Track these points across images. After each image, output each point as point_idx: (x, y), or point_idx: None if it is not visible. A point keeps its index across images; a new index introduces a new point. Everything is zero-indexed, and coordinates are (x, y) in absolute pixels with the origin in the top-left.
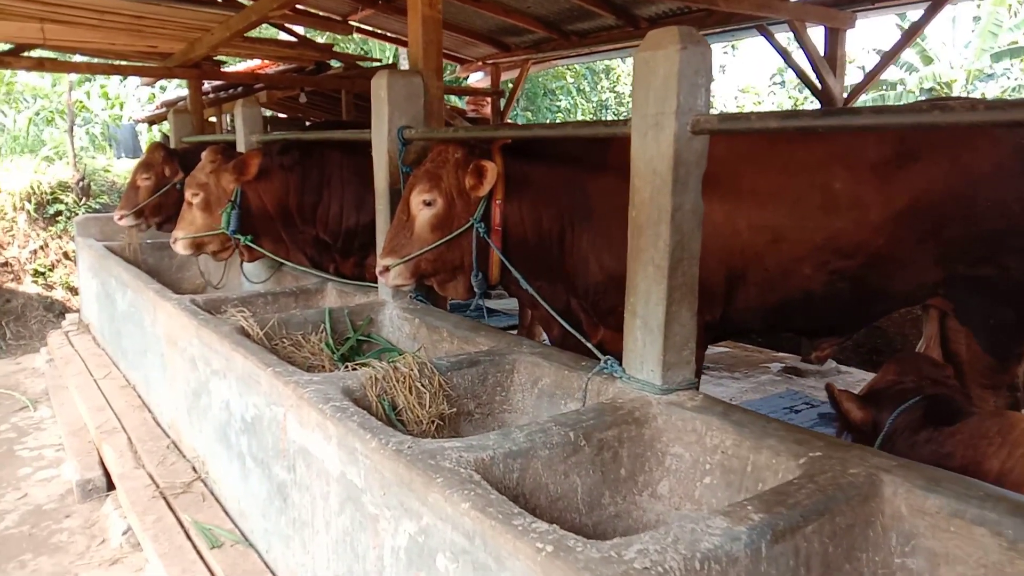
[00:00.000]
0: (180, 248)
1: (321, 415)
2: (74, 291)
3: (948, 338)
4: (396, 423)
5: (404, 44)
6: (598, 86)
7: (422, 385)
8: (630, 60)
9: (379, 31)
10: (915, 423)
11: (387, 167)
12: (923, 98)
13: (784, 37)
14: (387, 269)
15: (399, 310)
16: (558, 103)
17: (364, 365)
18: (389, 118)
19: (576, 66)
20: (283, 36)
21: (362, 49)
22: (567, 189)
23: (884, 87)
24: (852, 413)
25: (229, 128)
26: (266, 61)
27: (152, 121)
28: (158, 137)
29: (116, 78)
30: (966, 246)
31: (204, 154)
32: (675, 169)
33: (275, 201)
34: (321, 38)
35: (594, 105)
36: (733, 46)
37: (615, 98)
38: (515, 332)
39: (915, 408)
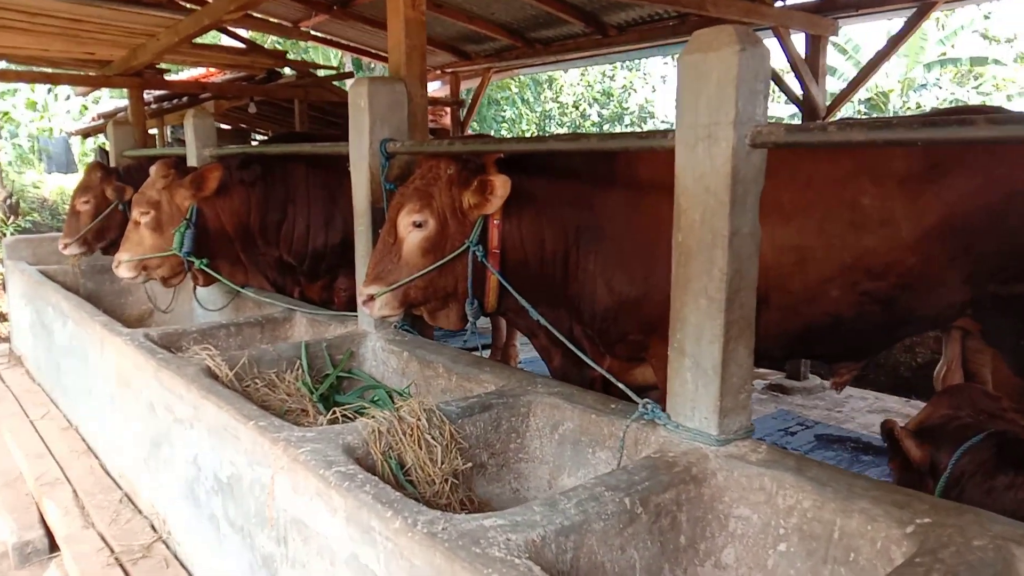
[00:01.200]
0: (124, 272)
1: (323, 483)
2: (3, 317)
3: (967, 359)
4: (405, 484)
5: (358, 52)
6: (541, 96)
7: (432, 437)
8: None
9: (332, 38)
10: (987, 465)
11: (368, 184)
12: (862, 107)
13: None
14: (372, 298)
15: (384, 342)
16: (503, 113)
17: (361, 414)
18: (370, 130)
19: (520, 76)
20: (227, 42)
21: (302, 59)
22: (572, 206)
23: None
24: (912, 452)
25: (171, 141)
26: (212, 69)
27: (87, 133)
28: (94, 150)
29: (43, 87)
30: (999, 263)
31: (154, 169)
32: (732, 187)
33: (235, 220)
34: (265, 45)
35: (538, 115)
36: (673, 56)
37: (559, 108)
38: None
39: (982, 447)
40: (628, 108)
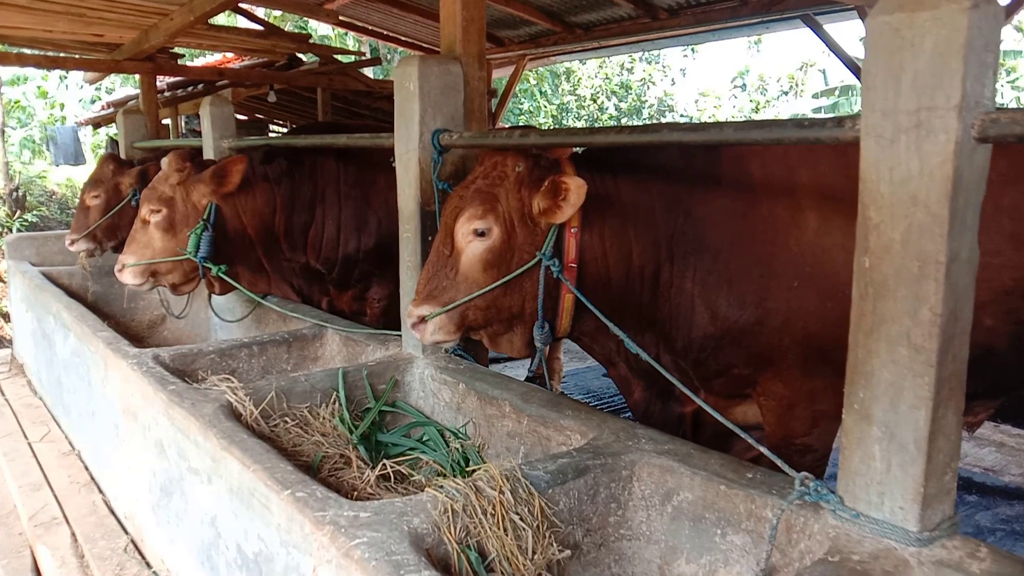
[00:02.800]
0: (129, 277)
1: None
2: (6, 317)
3: None
4: None
5: (383, 38)
6: (559, 89)
7: (519, 516)
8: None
9: (356, 22)
10: None
11: (417, 182)
12: None
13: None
14: (423, 320)
15: (434, 370)
16: (520, 105)
17: (412, 467)
18: (420, 118)
19: (539, 68)
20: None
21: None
22: (666, 213)
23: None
24: None
25: (185, 132)
26: (228, 55)
27: (98, 123)
28: (104, 141)
29: (55, 76)
30: None
31: (167, 161)
32: (953, 196)
33: (257, 221)
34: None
35: (556, 107)
36: (692, 49)
37: (576, 101)
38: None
39: None
40: (647, 101)
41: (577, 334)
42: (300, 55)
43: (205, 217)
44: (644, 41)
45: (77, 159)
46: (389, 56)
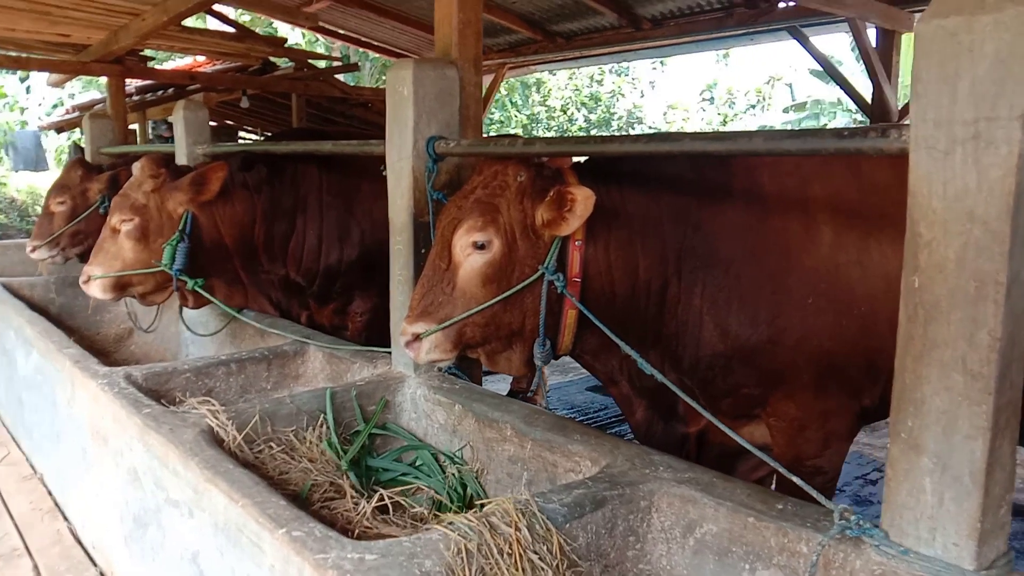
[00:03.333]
0: (96, 291)
1: None
2: None
3: None
4: None
5: (359, 44)
6: (529, 100)
7: (538, 556)
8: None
9: (331, 27)
10: None
11: (410, 192)
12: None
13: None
14: (418, 338)
15: (427, 389)
16: (491, 115)
17: (404, 492)
18: (415, 125)
19: (511, 79)
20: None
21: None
22: (674, 225)
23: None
24: None
25: (152, 138)
26: (199, 59)
27: (61, 128)
28: (68, 147)
29: (13, 78)
30: None
31: (139, 167)
32: (1015, 213)
33: (236, 231)
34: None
35: (526, 118)
36: (662, 62)
37: (546, 112)
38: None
39: None
40: (616, 113)
41: (579, 351)
42: (274, 60)
43: (181, 227)
44: (625, 51)
45: (38, 165)
46: (360, 63)
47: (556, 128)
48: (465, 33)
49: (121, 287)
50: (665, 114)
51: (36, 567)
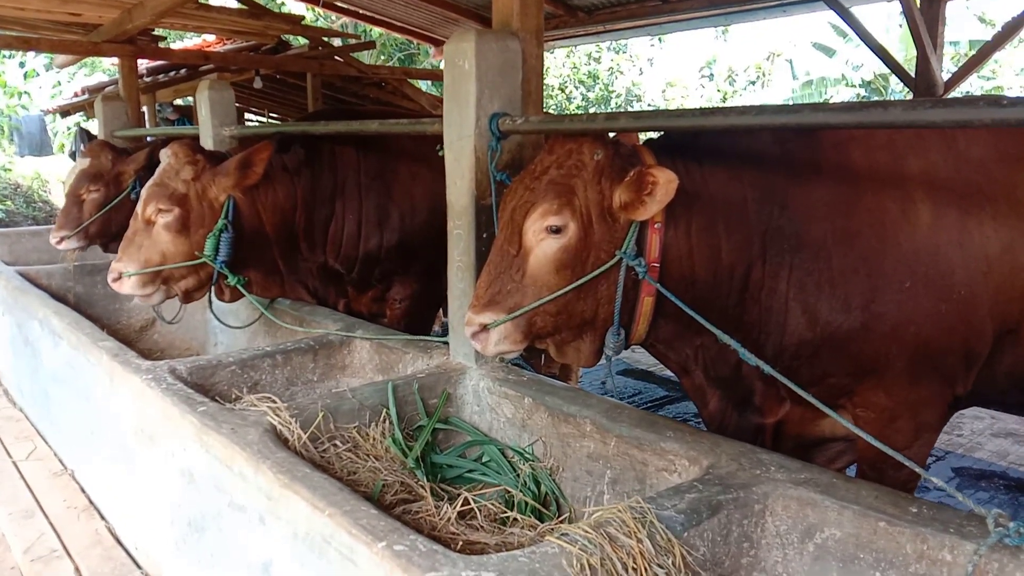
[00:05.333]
0: (132, 287)
1: None
2: None
3: None
4: None
5: (372, 22)
6: None
7: (663, 570)
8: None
9: (344, 5)
10: None
11: (472, 173)
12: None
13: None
14: (485, 328)
15: (491, 382)
16: None
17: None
18: (477, 101)
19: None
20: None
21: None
22: (759, 206)
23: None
24: None
25: (159, 120)
26: (210, 39)
27: (67, 112)
28: (72, 130)
29: (13, 63)
30: None
31: (171, 153)
32: None
33: (278, 218)
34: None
35: None
36: (660, 39)
37: (544, 90)
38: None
39: None
40: (614, 91)
41: (652, 341)
42: (287, 40)
43: (224, 215)
44: (651, 25)
45: (44, 149)
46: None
47: (554, 107)
48: (527, 2)
49: (164, 282)
50: (664, 91)
51: (77, 569)
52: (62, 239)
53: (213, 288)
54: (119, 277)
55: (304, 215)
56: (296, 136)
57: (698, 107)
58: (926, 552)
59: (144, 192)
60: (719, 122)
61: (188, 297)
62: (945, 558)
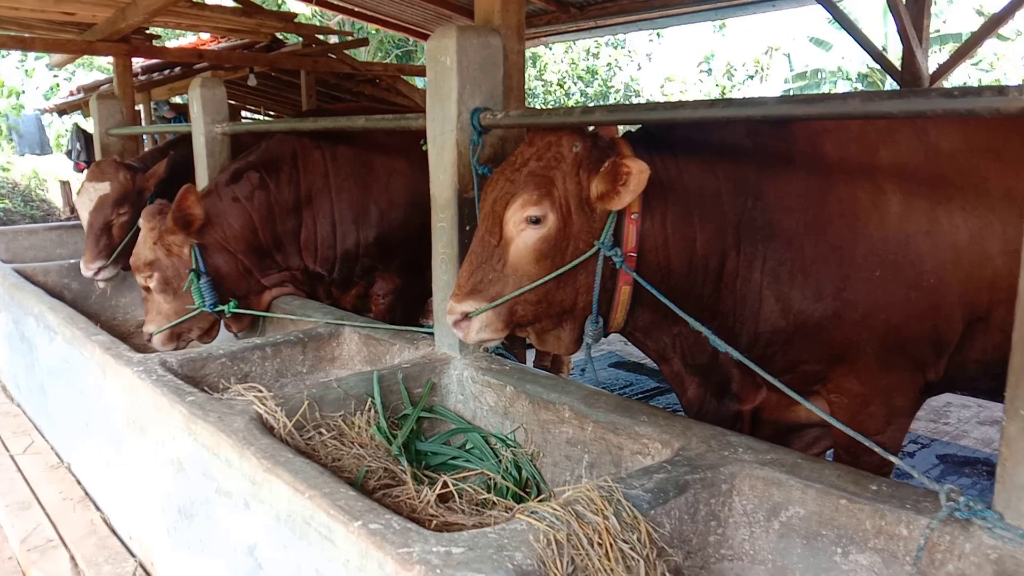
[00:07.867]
0: (159, 343)
1: None
2: None
3: None
4: None
5: (363, 19)
6: (526, 74)
7: (628, 545)
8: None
9: (339, 3)
10: None
11: (454, 166)
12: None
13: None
14: (467, 317)
15: (475, 371)
16: None
17: (459, 476)
18: (459, 96)
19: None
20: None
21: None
22: (733, 197)
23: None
24: None
25: (155, 119)
26: (203, 37)
27: (63, 110)
28: (69, 129)
29: (11, 63)
30: None
31: (141, 223)
32: None
33: (243, 245)
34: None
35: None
36: (658, 33)
37: (543, 86)
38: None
39: None
40: (613, 86)
41: (630, 329)
42: (281, 37)
43: (193, 267)
44: (642, 20)
45: (43, 148)
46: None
47: (553, 103)
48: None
49: (178, 336)
50: (663, 86)
51: (73, 558)
52: (99, 270)
53: (223, 326)
54: (150, 338)
55: (269, 233)
56: (251, 162)
57: (667, 100)
58: (884, 528)
59: (132, 266)
60: (688, 114)
61: (204, 339)
62: (901, 533)
